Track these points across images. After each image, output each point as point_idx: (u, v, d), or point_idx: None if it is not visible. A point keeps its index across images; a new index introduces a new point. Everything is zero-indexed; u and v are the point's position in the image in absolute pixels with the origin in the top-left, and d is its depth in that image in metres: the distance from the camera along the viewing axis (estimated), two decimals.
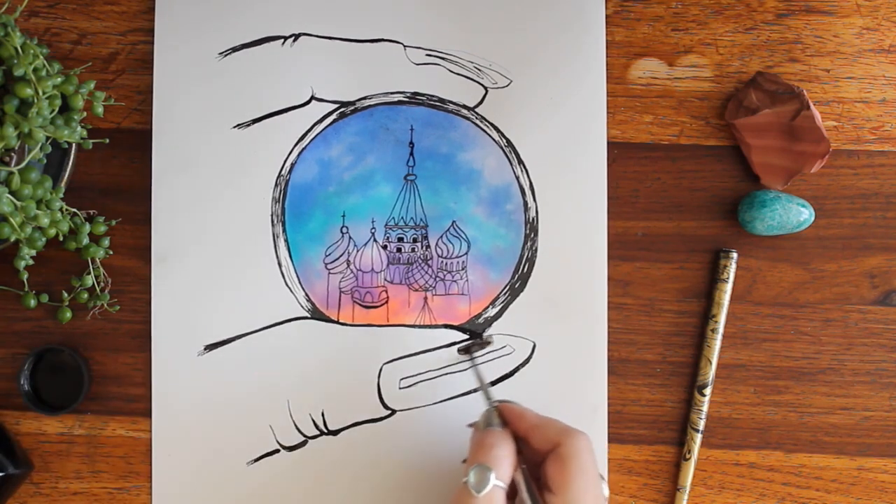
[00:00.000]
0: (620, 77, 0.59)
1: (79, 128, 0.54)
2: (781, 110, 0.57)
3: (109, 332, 0.59)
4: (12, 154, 0.53)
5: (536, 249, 0.58)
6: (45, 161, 0.56)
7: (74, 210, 0.57)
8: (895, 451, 0.58)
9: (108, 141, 0.58)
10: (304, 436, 0.58)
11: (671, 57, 0.59)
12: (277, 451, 0.58)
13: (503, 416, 0.50)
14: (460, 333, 0.58)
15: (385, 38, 0.59)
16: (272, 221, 0.59)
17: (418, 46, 0.59)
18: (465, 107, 0.59)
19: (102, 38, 0.59)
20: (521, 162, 0.58)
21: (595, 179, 0.58)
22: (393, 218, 0.59)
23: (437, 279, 0.58)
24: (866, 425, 0.58)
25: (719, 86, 0.59)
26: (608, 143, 0.58)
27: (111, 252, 0.58)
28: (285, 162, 0.59)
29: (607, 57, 0.59)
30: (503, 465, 0.47)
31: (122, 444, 0.58)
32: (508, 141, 0.58)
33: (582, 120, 0.58)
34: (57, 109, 0.52)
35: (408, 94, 0.59)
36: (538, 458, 0.49)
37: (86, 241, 0.57)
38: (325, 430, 0.58)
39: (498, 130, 0.59)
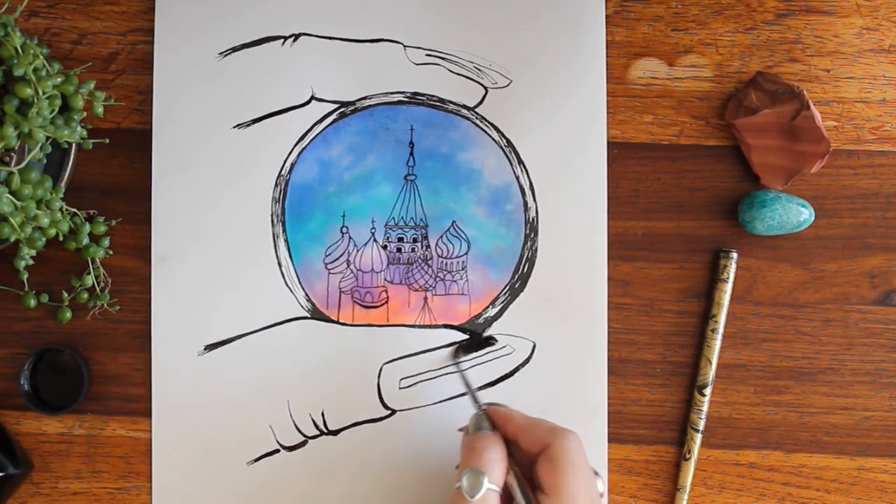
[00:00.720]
0: (620, 77, 0.59)
1: (79, 128, 0.54)
2: (781, 110, 0.57)
3: (109, 332, 0.59)
4: (12, 154, 0.53)
5: (536, 249, 0.58)
6: (45, 161, 0.56)
7: (74, 210, 0.57)
8: (895, 451, 0.58)
9: (108, 141, 0.58)
10: (304, 436, 0.58)
11: (671, 57, 0.59)
12: (277, 451, 0.58)
13: (492, 420, 0.50)
14: (460, 333, 0.58)
15: (385, 38, 0.59)
16: (272, 221, 0.59)
17: (418, 46, 0.59)
18: (465, 107, 0.59)
19: (102, 38, 0.59)
20: (521, 162, 0.58)
21: (595, 179, 0.58)
22: (393, 218, 0.59)
23: (437, 279, 0.58)
24: (866, 425, 0.58)
25: (719, 86, 0.59)
26: (608, 143, 0.58)
27: (111, 252, 0.58)
28: (285, 162, 0.59)
29: (607, 57, 0.59)
30: (495, 469, 0.47)
31: (122, 444, 0.58)
32: (508, 141, 0.58)
33: (582, 120, 0.58)
34: (57, 109, 0.52)
35: (408, 94, 0.59)
36: (530, 460, 0.49)
37: (86, 241, 0.57)
38: (325, 430, 0.58)
39: (498, 130, 0.59)
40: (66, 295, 0.58)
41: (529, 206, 0.58)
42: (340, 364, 0.58)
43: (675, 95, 0.59)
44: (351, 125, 0.59)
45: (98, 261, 0.58)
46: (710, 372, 0.57)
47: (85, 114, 0.55)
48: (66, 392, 0.58)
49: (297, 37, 0.59)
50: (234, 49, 0.59)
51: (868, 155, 0.58)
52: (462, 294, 0.58)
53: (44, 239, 0.55)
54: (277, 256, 0.58)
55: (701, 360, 0.58)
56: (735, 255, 0.57)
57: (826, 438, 0.58)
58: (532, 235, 0.58)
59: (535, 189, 0.58)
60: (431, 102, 0.59)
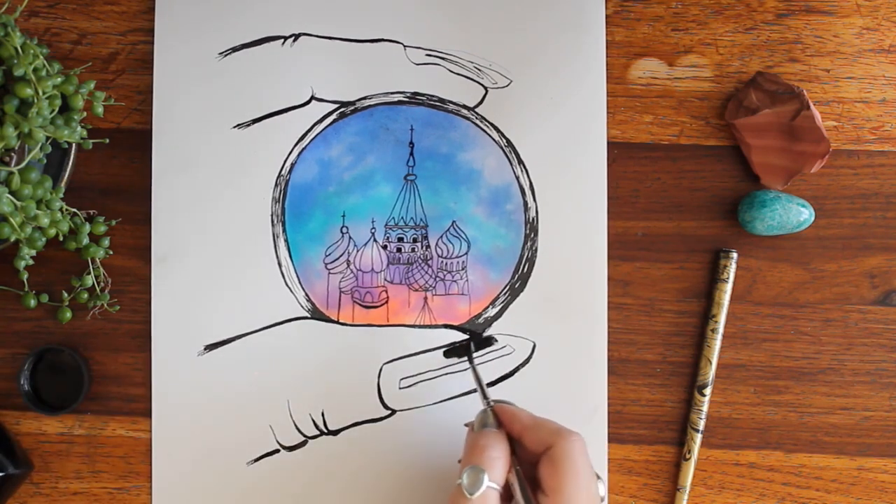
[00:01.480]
0: (620, 77, 0.59)
1: (79, 128, 0.54)
2: (781, 110, 0.57)
3: (109, 332, 0.59)
4: (12, 154, 0.53)
5: (536, 249, 0.58)
6: (45, 161, 0.56)
7: (74, 210, 0.57)
8: (895, 451, 0.58)
9: (108, 141, 0.58)
10: (304, 436, 0.58)
11: (671, 57, 0.59)
12: (277, 451, 0.58)
13: (498, 417, 0.50)
14: (460, 333, 0.58)
15: (385, 38, 0.59)
16: (272, 221, 0.59)
17: (418, 46, 0.59)
18: (465, 107, 0.59)
19: (102, 38, 0.59)
20: (521, 162, 0.58)
21: (595, 179, 0.58)
22: (393, 218, 0.59)
23: (437, 279, 0.58)
24: (866, 425, 0.58)
25: (719, 86, 0.59)
26: (608, 143, 0.58)
27: (111, 252, 0.58)
28: (285, 162, 0.59)
29: (607, 57, 0.59)
30: (496, 467, 0.47)
31: (122, 444, 0.58)
32: (508, 141, 0.58)
33: (582, 120, 0.58)
34: (57, 109, 0.52)
35: (408, 94, 0.59)
36: (533, 459, 0.49)
37: (86, 241, 0.57)
38: (325, 430, 0.58)
39: (498, 130, 0.59)
40: (66, 295, 0.58)
41: (529, 206, 0.58)
42: (340, 364, 0.58)
43: (675, 95, 0.59)
44: (351, 125, 0.59)
45: (98, 261, 0.58)
46: (710, 372, 0.57)
47: (85, 114, 0.55)
48: (66, 392, 0.58)
49: (297, 37, 0.59)
50: (234, 49, 0.59)
51: (868, 155, 0.58)
52: (462, 294, 0.58)
53: (44, 239, 0.55)
54: (277, 256, 0.58)
55: (701, 360, 0.58)
56: (735, 255, 0.57)
57: (826, 438, 0.58)
58: (532, 235, 0.58)
59: (535, 189, 0.58)
60: (431, 102, 0.59)
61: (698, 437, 0.57)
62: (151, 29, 0.59)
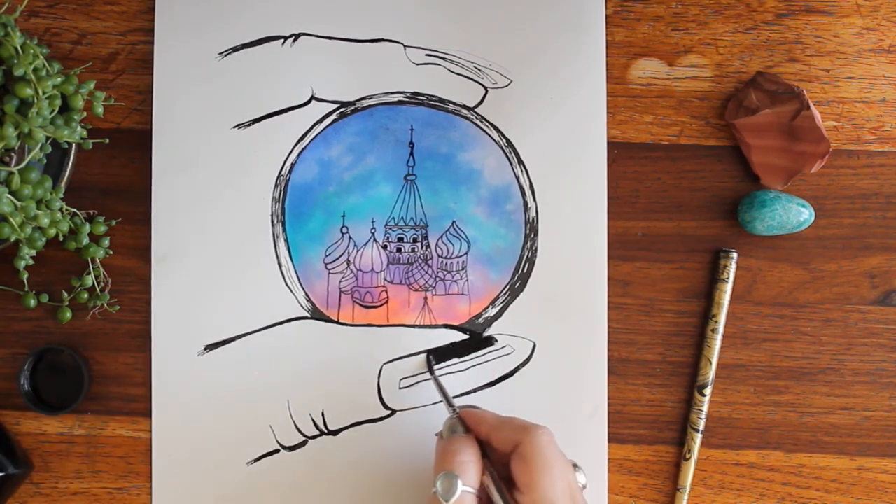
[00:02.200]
0: (620, 77, 0.59)
1: (79, 128, 0.54)
2: (781, 110, 0.57)
3: (109, 332, 0.59)
4: (12, 154, 0.53)
5: (536, 249, 0.58)
6: (45, 161, 0.56)
7: (74, 210, 0.57)
8: (895, 451, 0.58)
9: (108, 141, 0.58)
10: (304, 436, 0.58)
11: (671, 57, 0.59)
12: (277, 451, 0.58)
13: (465, 423, 0.50)
14: (460, 333, 0.58)
15: (385, 38, 0.59)
16: (272, 221, 0.59)
17: (418, 46, 0.59)
18: (465, 107, 0.59)
19: (102, 38, 0.59)
20: (521, 162, 0.58)
21: (595, 179, 0.58)
22: (393, 218, 0.59)
23: (437, 279, 0.58)
24: (866, 425, 0.58)
25: (719, 86, 0.59)
26: (608, 143, 0.58)
27: (111, 252, 0.58)
28: (285, 162, 0.59)
29: (607, 57, 0.59)
30: (469, 471, 0.47)
31: (122, 444, 0.58)
32: (508, 141, 0.58)
33: (582, 120, 0.58)
34: (57, 109, 0.52)
35: (408, 94, 0.59)
36: (505, 459, 0.48)
37: (86, 241, 0.57)
38: (325, 430, 0.58)
39: (498, 130, 0.59)
40: (66, 295, 0.58)
41: (529, 206, 0.58)
42: (340, 364, 0.58)
43: (675, 95, 0.59)
44: (351, 125, 0.59)
45: (98, 261, 0.58)
46: (710, 372, 0.57)
47: (85, 114, 0.55)
48: (66, 392, 0.58)
49: (297, 37, 0.59)
50: (234, 49, 0.59)
51: (868, 155, 0.58)
52: (462, 294, 0.58)
53: (44, 239, 0.55)
54: (277, 256, 0.58)
55: (701, 360, 0.58)
56: (735, 255, 0.57)
57: (826, 438, 0.58)
58: (532, 235, 0.58)
59: (535, 189, 0.58)
60: (431, 102, 0.59)
61: (698, 437, 0.57)
62: (151, 29, 0.59)
